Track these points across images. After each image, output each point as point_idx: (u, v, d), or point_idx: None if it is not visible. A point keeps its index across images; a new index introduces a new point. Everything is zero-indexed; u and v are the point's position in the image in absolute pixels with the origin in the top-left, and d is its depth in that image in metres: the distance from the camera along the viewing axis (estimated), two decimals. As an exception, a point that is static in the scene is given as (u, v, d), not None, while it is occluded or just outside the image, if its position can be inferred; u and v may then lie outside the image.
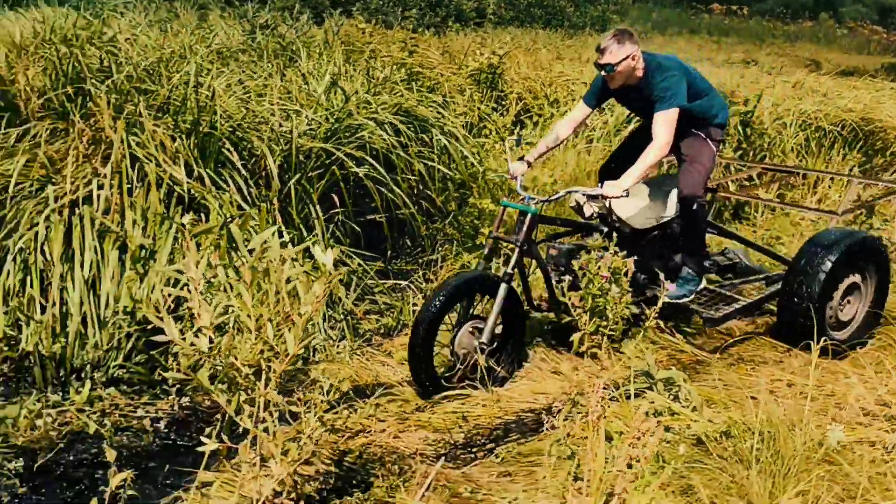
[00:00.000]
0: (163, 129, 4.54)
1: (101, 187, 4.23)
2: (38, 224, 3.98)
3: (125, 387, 3.76)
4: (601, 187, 3.96)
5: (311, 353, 3.94)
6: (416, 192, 5.29)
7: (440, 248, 5.29)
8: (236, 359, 2.25)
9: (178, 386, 3.67)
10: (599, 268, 3.71)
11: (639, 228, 4.35)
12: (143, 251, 4.02)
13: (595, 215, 4.25)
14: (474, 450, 3.55)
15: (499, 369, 3.82)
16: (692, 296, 4.34)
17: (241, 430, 2.25)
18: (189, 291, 2.30)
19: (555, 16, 20.18)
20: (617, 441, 2.55)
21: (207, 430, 2.33)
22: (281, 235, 4.34)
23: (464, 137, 5.64)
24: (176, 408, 3.57)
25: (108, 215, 4.16)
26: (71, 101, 4.83)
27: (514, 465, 3.31)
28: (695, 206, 4.17)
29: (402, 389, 3.81)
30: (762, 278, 4.90)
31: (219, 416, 3.25)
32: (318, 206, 4.70)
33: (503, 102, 7.74)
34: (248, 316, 2.24)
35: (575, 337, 3.82)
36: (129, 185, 4.29)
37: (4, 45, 5.50)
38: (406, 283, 5.03)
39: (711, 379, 3.87)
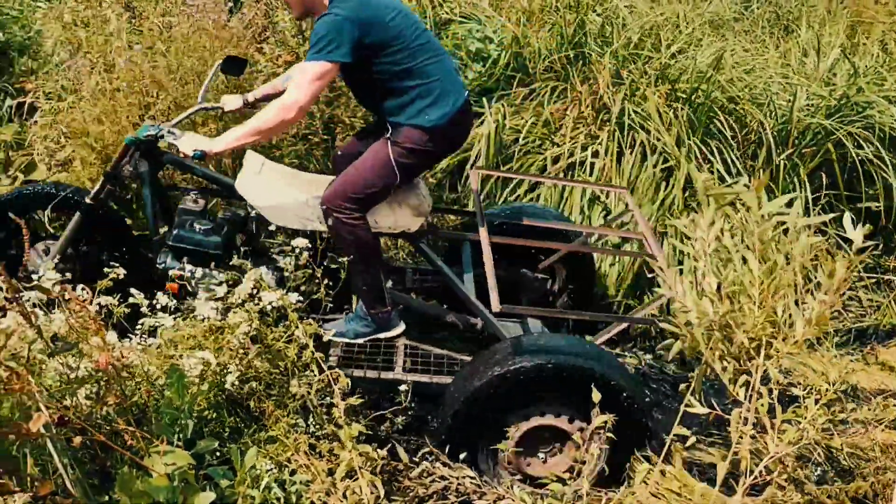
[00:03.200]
0: (657, 96, 4.64)
1: (595, 154, 4.49)
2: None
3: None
4: (184, 136, 3.07)
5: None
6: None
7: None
8: (737, 328, 2.23)
9: (647, 345, 3.83)
10: None
11: (286, 227, 3.29)
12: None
13: None
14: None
15: None
16: (357, 339, 3.20)
17: (730, 399, 2.24)
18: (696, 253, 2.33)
19: None
20: None
21: (682, 387, 2.34)
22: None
23: None
24: (643, 364, 3.72)
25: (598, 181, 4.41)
26: (572, 65, 5.19)
27: None
28: (330, 221, 3.06)
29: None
30: None
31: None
32: (806, 185, 4.42)
33: None
34: (751, 285, 2.20)
35: None
36: (619, 151, 4.49)
37: (518, 11, 6.11)
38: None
39: None
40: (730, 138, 4.51)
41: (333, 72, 2.94)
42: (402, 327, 3.26)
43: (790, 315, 2.17)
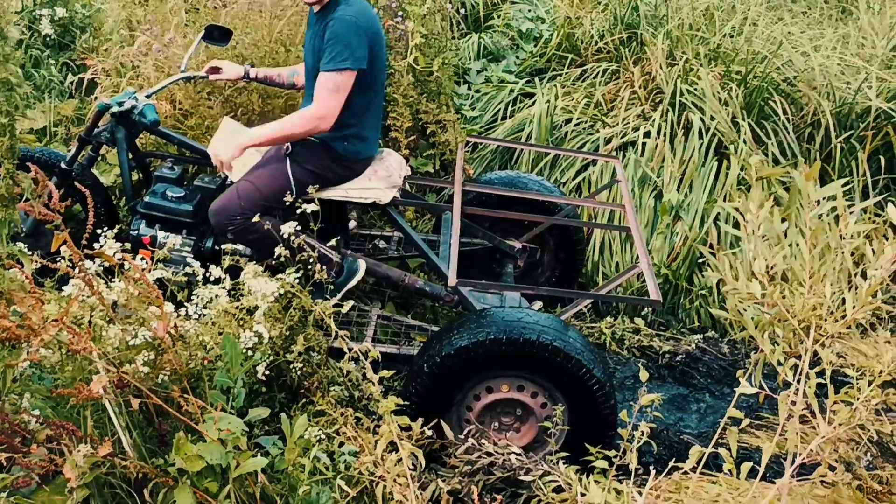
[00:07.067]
0: (711, 76, 4.57)
1: (647, 135, 4.44)
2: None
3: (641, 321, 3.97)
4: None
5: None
6: None
7: None
8: (786, 310, 2.21)
9: (696, 326, 3.79)
10: None
11: None
12: (677, 202, 4.14)
13: None
14: None
15: None
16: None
17: (780, 380, 2.22)
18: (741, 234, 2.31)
19: None
20: None
21: (739, 372, 2.32)
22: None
23: None
24: (693, 347, 3.68)
25: (649, 163, 4.36)
26: (624, 46, 5.14)
27: None
28: (230, 235, 2.98)
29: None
30: None
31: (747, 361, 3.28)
32: (866, 168, 4.31)
33: None
34: (801, 268, 2.18)
35: None
36: (672, 132, 4.44)
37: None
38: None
39: None
40: (785, 120, 4.42)
41: (353, 77, 2.84)
42: (363, 267, 3.15)
43: (843, 300, 2.14)
